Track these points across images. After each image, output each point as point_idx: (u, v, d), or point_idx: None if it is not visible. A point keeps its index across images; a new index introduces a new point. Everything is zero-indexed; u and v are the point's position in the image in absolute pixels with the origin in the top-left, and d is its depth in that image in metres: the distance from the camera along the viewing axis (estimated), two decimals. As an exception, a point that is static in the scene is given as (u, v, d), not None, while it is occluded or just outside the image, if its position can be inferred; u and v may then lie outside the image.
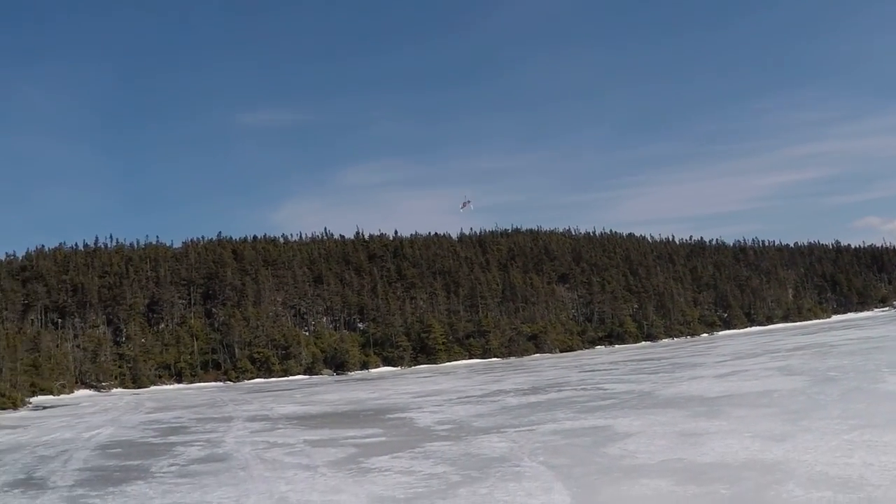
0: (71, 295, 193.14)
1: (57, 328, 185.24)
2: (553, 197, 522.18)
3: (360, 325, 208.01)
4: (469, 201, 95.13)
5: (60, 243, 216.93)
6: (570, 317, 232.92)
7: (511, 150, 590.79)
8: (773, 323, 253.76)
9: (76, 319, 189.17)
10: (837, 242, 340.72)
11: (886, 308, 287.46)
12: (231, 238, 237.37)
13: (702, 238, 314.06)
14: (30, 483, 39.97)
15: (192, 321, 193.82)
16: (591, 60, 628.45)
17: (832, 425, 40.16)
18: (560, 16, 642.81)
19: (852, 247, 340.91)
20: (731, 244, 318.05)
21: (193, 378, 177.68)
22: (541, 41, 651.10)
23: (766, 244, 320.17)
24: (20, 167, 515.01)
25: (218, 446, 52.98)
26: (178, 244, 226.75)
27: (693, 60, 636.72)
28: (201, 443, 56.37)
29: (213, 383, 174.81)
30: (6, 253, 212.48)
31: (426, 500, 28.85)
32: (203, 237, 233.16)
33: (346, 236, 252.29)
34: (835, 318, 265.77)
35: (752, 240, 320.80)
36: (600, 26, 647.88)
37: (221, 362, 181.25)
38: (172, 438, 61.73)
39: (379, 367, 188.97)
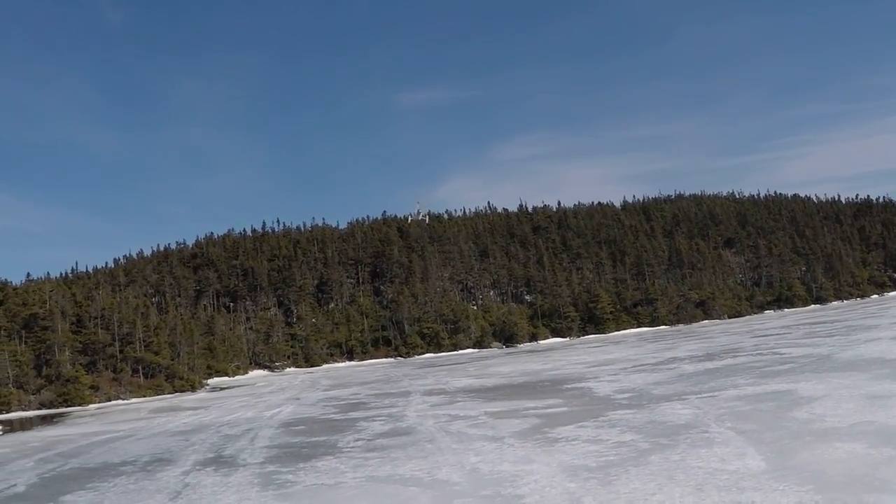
0: (241, 279, 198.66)
1: (229, 312, 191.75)
2: (713, 161, 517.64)
3: (527, 297, 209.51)
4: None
5: (229, 230, 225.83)
6: (738, 282, 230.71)
7: (668, 117, 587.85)
8: None
9: (247, 303, 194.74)
10: None
11: None
12: (396, 216, 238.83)
13: (868, 196, 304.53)
14: (220, 461, 41.36)
15: (361, 300, 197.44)
16: (745, 25, 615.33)
17: None
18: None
19: None
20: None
21: (364, 355, 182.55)
22: (694, 7, 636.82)
23: None
24: (185, 158, 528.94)
25: (400, 420, 53.59)
26: (343, 225, 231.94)
27: (847, 22, 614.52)
28: (383, 417, 57.36)
29: (384, 360, 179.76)
30: (177, 242, 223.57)
31: (619, 467, 28.76)
32: (368, 217, 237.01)
33: (510, 209, 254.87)
34: None
35: None
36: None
37: (391, 339, 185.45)
38: (354, 414, 62.77)
39: (548, 338, 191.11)
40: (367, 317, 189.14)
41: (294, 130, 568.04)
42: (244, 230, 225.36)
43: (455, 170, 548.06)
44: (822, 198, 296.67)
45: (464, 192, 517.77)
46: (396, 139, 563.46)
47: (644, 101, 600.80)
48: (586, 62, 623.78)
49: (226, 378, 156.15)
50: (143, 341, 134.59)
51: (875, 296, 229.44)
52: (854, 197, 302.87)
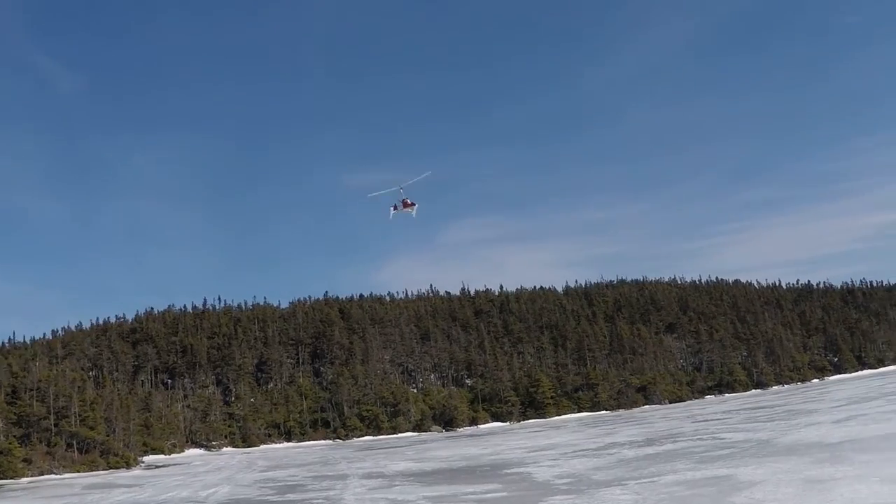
0: (180, 356, 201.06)
1: (167, 389, 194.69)
2: (657, 246, 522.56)
3: (467, 380, 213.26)
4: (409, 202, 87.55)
5: (169, 305, 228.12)
6: (679, 367, 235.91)
7: (613, 201, 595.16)
8: (884, 365, 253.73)
9: (186, 380, 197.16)
10: None
11: None
12: (338, 297, 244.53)
13: (809, 281, 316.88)
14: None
15: (301, 380, 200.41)
16: (693, 110, 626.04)
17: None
18: (661, 67, 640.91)
19: None
20: (839, 287, 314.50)
21: (303, 436, 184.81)
22: (644, 92, 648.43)
23: (875, 285, 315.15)
24: (131, 231, 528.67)
25: (338, 504, 53.26)
26: (285, 304, 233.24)
27: (793, 108, 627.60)
28: (320, 500, 59.54)
29: (323, 441, 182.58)
30: (116, 316, 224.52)
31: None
32: (310, 297, 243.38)
33: (452, 293, 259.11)
34: None
35: (861, 281, 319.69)
36: (700, 77, 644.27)
37: (330, 420, 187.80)
38: (290, 496, 64.26)
39: (488, 422, 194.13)
40: (306, 398, 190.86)
41: (241, 211, 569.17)
42: (185, 306, 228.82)
43: (399, 252, 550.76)
44: (764, 283, 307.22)
45: (407, 274, 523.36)
46: (342, 220, 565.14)
47: (590, 185, 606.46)
48: (535, 145, 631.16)
49: (161, 456, 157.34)
50: (79, 415, 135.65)
51: (815, 380, 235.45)
52: (795, 282, 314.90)
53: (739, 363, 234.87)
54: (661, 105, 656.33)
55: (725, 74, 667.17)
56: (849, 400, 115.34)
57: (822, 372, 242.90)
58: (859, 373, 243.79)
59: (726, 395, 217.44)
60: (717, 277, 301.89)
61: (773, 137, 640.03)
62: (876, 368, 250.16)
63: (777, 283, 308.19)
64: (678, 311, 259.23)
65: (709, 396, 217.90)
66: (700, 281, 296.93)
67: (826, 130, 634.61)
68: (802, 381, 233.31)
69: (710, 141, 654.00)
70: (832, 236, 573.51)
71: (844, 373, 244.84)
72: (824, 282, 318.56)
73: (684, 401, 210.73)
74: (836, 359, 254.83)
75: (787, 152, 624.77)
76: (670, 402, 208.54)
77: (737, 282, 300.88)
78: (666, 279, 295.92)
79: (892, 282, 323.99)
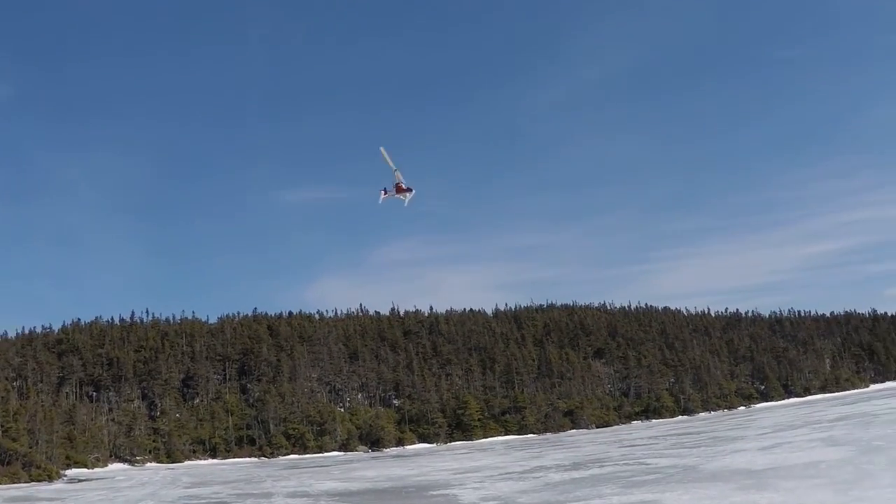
0: (106, 369, 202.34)
1: (92, 401, 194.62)
2: (588, 272, 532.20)
3: (395, 401, 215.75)
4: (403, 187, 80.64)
5: (97, 317, 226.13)
6: (607, 392, 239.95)
7: (547, 227, 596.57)
8: (810, 394, 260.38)
9: (111, 393, 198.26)
10: (874, 311, 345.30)
11: None
12: (267, 314, 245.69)
13: (737, 310, 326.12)
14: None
15: (228, 396, 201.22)
16: (625, 142, 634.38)
17: (884, 494, 42.17)
18: (595, 100, 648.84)
19: (889, 314, 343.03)
20: (767, 315, 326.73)
21: (228, 453, 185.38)
22: (579, 123, 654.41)
23: (802, 314, 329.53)
24: (59, 243, 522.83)
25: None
26: (213, 319, 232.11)
27: (724, 141, 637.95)
28: None
29: (248, 459, 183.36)
30: (42, 326, 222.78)
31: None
32: (239, 313, 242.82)
33: (382, 312, 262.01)
34: (873, 387, 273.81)
35: (788, 310, 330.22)
36: (632, 110, 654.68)
37: (256, 438, 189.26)
38: None
39: (414, 443, 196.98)
40: (232, 414, 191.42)
41: (173, 224, 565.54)
42: (112, 319, 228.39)
43: (331, 269, 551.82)
44: (693, 311, 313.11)
45: (338, 293, 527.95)
46: (274, 236, 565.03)
47: (525, 211, 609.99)
48: (471, 170, 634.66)
49: (85, 470, 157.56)
50: (2, 426, 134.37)
51: (742, 407, 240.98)
52: (724, 310, 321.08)
53: (667, 389, 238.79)
54: (595, 136, 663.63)
55: (657, 108, 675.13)
56: (774, 427, 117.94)
57: (748, 399, 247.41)
58: (786, 401, 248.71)
59: (653, 420, 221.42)
60: (646, 304, 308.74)
61: (704, 169, 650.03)
62: (802, 397, 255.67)
63: (706, 311, 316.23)
64: (607, 337, 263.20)
65: (636, 422, 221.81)
66: (629, 307, 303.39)
67: (757, 164, 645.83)
68: (729, 408, 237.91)
69: (642, 172, 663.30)
70: (761, 266, 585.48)
71: (771, 401, 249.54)
72: (753, 311, 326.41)
73: (611, 426, 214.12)
74: (762, 387, 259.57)
75: (717, 184, 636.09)
76: (597, 427, 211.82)
77: (666, 309, 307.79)
78: (596, 305, 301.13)
79: (819, 311, 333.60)
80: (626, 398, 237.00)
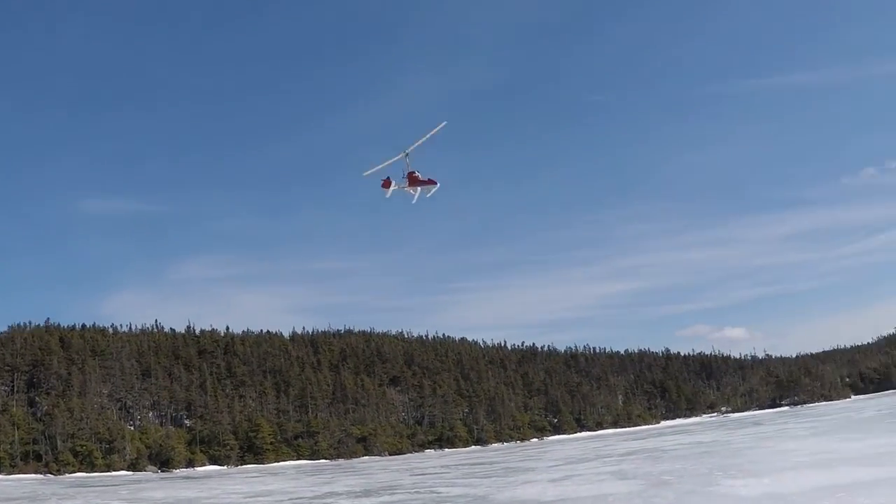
0: None
1: None
2: (388, 300, 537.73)
3: (186, 421, 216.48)
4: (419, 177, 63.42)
5: None
6: (401, 420, 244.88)
7: (348, 251, 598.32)
8: (602, 428, 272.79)
9: None
10: (667, 350, 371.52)
11: (715, 414, 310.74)
12: (59, 325, 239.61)
13: (534, 344, 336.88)
14: None
15: (14, 409, 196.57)
16: (444, 161, 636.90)
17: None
18: (406, 122, 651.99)
19: (681, 354, 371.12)
20: (563, 351, 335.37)
21: (12, 469, 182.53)
22: (387, 149, 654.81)
23: (597, 351, 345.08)
24: None
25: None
26: (3, 329, 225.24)
27: (528, 172, 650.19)
28: None
29: (34, 475, 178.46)
30: None
31: None
32: (30, 322, 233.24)
33: (177, 330, 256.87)
34: (664, 423, 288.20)
35: (584, 346, 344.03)
36: (442, 136, 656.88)
37: (43, 454, 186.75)
38: None
39: (205, 465, 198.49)
40: (18, 428, 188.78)
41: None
42: None
43: (128, 283, 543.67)
44: (489, 343, 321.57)
45: (135, 308, 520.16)
46: (72, 245, 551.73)
47: (329, 234, 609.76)
48: (275, 190, 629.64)
49: None
50: None
51: (535, 440, 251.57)
52: (520, 344, 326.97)
53: (461, 419, 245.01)
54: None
55: (468, 135, 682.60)
56: (566, 460, 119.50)
57: (541, 432, 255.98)
58: (578, 434, 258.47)
59: (446, 449, 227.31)
60: (443, 334, 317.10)
61: (507, 202, 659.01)
62: (594, 431, 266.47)
63: (503, 344, 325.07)
64: (403, 365, 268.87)
65: (429, 450, 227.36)
66: (427, 337, 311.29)
67: (565, 202, 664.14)
68: (522, 439, 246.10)
69: (446, 199, 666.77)
70: (559, 302, 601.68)
71: (563, 434, 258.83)
72: (549, 345, 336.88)
73: (404, 453, 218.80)
74: (556, 420, 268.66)
75: (522, 220, 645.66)
76: (390, 454, 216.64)
77: (463, 340, 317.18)
78: (394, 332, 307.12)
79: (613, 349, 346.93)
80: (420, 426, 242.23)
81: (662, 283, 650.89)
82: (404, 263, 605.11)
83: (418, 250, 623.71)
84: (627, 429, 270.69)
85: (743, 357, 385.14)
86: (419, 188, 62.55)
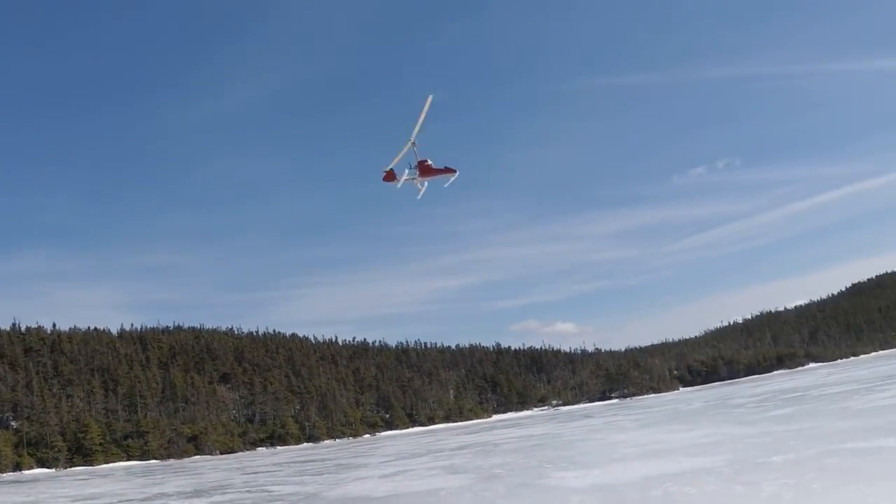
0: None
1: None
2: (218, 295, 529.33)
3: (13, 423, 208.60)
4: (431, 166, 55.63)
5: None
6: (232, 418, 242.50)
7: (180, 247, 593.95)
8: (434, 423, 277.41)
9: None
10: (498, 345, 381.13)
11: (545, 407, 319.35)
12: None
13: (365, 339, 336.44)
14: None
15: None
16: (268, 165, 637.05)
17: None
18: (245, 120, 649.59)
19: (512, 349, 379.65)
20: (394, 346, 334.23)
21: None
22: (223, 142, 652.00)
23: (429, 346, 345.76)
24: None
25: None
26: None
27: (365, 166, 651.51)
28: None
29: None
30: None
31: None
32: None
33: (2, 328, 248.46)
34: (495, 417, 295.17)
35: (415, 342, 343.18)
36: (279, 133, 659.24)
37: None
38: None
39: (33, 468, 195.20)
40: None
41: None
42: None
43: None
44: (321, 339, 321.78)
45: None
46: None
47: (160, 230, 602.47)
48: (99, 185, 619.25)
49: None
50: None
51: (367, 435, 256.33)
52: (351, 339, 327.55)
53: (292, 416, 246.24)
54: (239, 156, 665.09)
55: (303, 133, 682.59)
56: (398, 455, 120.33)
57: (373, 427, 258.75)
58: (410, 429, 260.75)
59: (278, 447, 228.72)
60: (274, 330, 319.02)
61: (338, 198, 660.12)
62: (426, 426, 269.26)
63: (334, 339, 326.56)
64: (234, 362, 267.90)
65: (261, 448, 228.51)
66: (257, 333, 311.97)
67: (390, 193, 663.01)
68: (354, 436, 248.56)
69: (276, 197, 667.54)
70: (391, 298, 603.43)
71: (396, 429, 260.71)
72: (380, 340, 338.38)
73: (236, 452, 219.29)
74: (388, 415, 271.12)
75: (353, 214, 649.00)
76: (222, 453, 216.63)
77: (294, 336, 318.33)
78: (224, 329, 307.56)
79: (444, 343, 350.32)
80: (252, 424, 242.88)
81: (495, 277, 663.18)
82: (235, 258, 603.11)
83: (249, 245, 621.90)
84: (459, 423, 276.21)
85: (573, 351, 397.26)
86: (428, 179, 57.00)
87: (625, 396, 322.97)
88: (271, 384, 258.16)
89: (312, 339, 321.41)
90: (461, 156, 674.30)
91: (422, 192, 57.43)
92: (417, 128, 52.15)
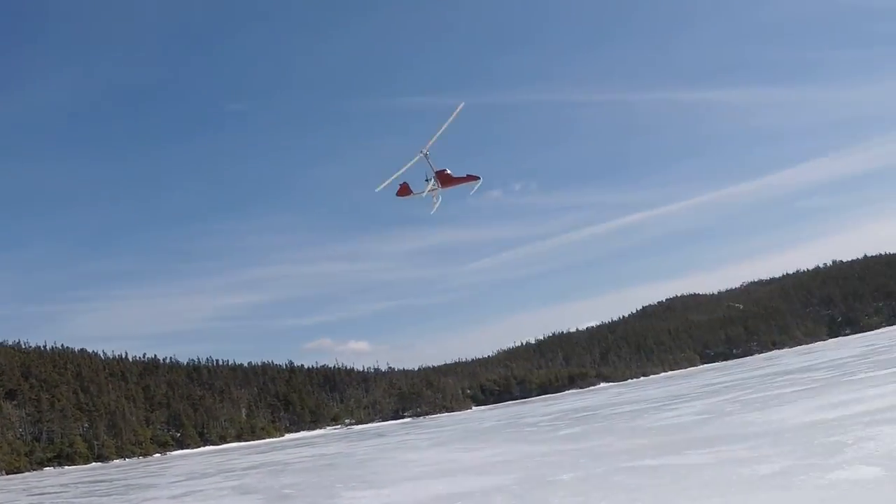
0: None
1: None
2: (4, 308, 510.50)
3: None
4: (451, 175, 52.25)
5: None
6: (18, 436, 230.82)
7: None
8: (226, 442, 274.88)
9: None
10: (291, 363, 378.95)
11: (339, 426, 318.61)
12: None
13: (156, 356, 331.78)
14: None
15: None
16: (60, 171, 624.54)
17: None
18: (37, 124, 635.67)
19: (305, 367, 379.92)
20: (185, 363, 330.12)
21: None
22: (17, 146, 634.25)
23: (221, 363, 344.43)
24: None
25: None
26: None
27: (158, 180, 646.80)
28: None
29: None
30: None
31: None
32: None
33: None
34: (288, 436, 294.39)
35: (207, 359, 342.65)
36: (75, 137, 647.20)
37: None
38: None
39: None
40: None
41: None
42: None
43: None
44: (111, 355, 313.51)
45: None
46: None
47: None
48: None
49: None
50: None
51: (158, 455, 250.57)
52: (142, 356, 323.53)
53: (81, 435, 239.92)
54: (29, 161, 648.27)
55: (102, 138, 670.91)
56: (188, 475, 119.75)
57: (164, 447, 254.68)
58: (202, 448, 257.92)
59: (66, 467, 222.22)
60: (62, 345, 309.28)
61: (133, 210, 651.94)
62: (218, 445, 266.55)
63: (124, 356, 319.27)
64: (20, 378, 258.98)
65: (48, 468, 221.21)
66: (45, 348, 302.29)
67: (193, 213, 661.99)
68: (145, 455, 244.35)
69: (70, 204, 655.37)
70: (183, 314, 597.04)
71: (187, 448, 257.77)
72: (171, 357, 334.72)
73: (22, 472, 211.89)
74: (178, 434, 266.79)
75: (142, 224, 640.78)
76: (8, 474, 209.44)
77: (83, 351, 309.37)
78: (10, 343, 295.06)
79: (236, 361, 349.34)
80: (39, 443, 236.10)
81: (288, 295, 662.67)
82: (21, 269, 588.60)
83: (35, 256, 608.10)
84: (251, 442, 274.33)
85: (366, 370, 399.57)
86: (444, 189, 53.88)
87: (418, 415, 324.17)
88: (59, 401, 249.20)
89: (102, 354, 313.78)
90: (252, 169, 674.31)
91: (436, 206, 54.82)
92: (435, 137, 50.51)
